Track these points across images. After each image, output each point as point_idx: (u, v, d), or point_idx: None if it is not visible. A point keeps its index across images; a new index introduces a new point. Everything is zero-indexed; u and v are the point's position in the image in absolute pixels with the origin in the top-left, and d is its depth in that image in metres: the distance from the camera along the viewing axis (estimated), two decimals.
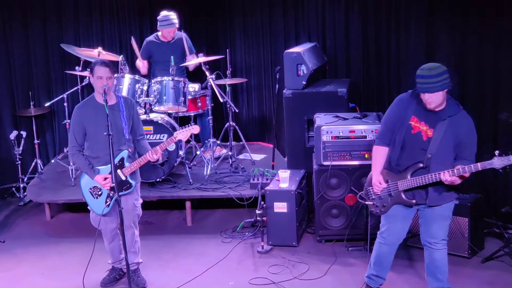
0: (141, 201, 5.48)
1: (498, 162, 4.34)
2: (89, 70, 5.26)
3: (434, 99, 4.48)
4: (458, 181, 4.50)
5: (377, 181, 4.79)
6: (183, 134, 5.25)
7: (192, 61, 7.55)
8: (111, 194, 5.22)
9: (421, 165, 4.60)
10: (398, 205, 4.77)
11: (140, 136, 5.41)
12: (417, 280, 5.40)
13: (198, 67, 7.65)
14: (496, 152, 4.36)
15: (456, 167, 4.47)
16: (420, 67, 4.53)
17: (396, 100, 4.77)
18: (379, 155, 4.80)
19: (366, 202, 4.95)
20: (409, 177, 4.65)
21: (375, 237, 5.04)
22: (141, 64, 7.72)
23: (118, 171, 5.18)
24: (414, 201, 4.70)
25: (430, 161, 4.57)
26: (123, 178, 5.22)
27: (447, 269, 4.89)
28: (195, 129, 5.26)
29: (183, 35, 7.75)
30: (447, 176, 4.46)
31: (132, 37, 7.74)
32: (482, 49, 6.11)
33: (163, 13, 7.56)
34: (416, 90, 4.56)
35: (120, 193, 5.06)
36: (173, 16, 7.53)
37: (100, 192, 5.29)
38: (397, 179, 4.71)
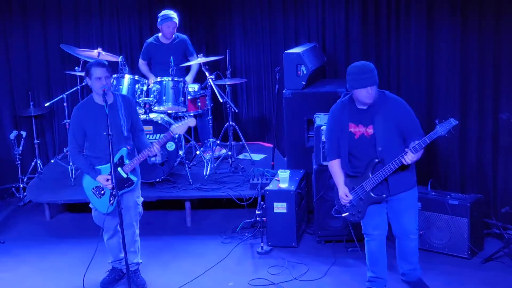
0: (142, 199, 5.49)
1: (441, 129, 4.56)
2: (84, 72, 5.25)
3: (372, 93, 4.70)
4: (416, 158, 4.66)
5: (343, 193, 4.95)
6: (180, 127, 5.24)
7: (192, 61, 7.56)
8: (114, 193, 5.22)
9: (376, 160, 4.78)
10: (371, 205, 4.92)
11: (139, 131, 5.42)
12: None
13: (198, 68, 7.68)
14: (437, 121, 4.59)
15: (411, 145, 4.64)
16: (350, 67, 4.79)
17: (330, 113, 5.01)
18: (336, 169, 4.98)
19: (343, 215, 5.07)
20: (370, 175, 4.82)
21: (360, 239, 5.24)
22: (142, 66, 7.74)
23: (119, 169, 5.19)
24: (384, 195, 4.86)
25: (382, 154, 4.74)
26: (124, 175, 5.23)
27: (417, 253, 5.12)
28: (191, 121, 5.25)
29: (185, 38, 7.76)
30: (410, 156, 4.63)
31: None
32: (483, 49, 6.10)
33: (163, 11, 7.58)
34: (350, 89, 4.76)
35: (122, 191, 5.11)
36: (172, 13, 7.54)
37: (103, 192, 5.29)
38: (361, 182, 4.87)
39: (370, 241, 5.03)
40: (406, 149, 4.66)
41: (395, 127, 4.75)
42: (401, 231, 4.99)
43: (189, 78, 7.73)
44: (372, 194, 4.87)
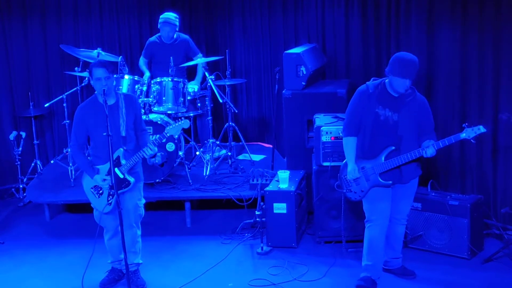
0: (144, 201, 5.48)
1: (469, 133, 4.76)
2: (88, 72, 5.27)
3: (408, 85, 4.89)
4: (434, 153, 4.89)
5: (353, 169, 5.08)
6: (173, 129, 5.25)
7: (192, 62, 7.55)
8: (112, 193, 5.24)
9: (393, 147, 4.95)
10: (375, 188, 5.05)
11: (142, 130, 5.42)
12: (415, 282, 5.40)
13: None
14: (465, 125, 4.76)
15: (427, 143, 4.88)
16: (399, 54, 4.93)
17: (358, 93, 5.10)
18: (351, 145, 5.12)
19: (344, 191, 5.23)
20: (383, 160, 4.97)
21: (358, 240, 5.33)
22: (143, 64, 7.73)
23: (116, 169, 5.17)
24: (390, 182, 5.00)
25: (401, 142, 4.94)
26: (121, 176, 5.23)
27: (402, 242, 5.40)
28: (185, 123, 5.26)
29: (187, 38, 7.75)
30: (432, 150, 4.84)
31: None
32: (483, 49, 6.10)
33: (165, 13, 7.57)
34: (389, 75, 4.90)
35: (119, 191, 5.09)
36: (172, 17, 7.53)
37: (101, 191, 5.30)
38: (372, 164, 5.01)
39: (374, 226, 5.12)
40: (429, 143, 4.85)
41: (416, 122, 4.96)
42: (395, 214, 5.18)
43: (196, 85, 7.70)
44: (379, 178, 5.01)
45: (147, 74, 7.62)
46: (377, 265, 5.18)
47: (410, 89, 4.98)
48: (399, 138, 4.94)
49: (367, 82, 5.10)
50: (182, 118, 5.30)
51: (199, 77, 7.80)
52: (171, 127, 5.25)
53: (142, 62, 7.79)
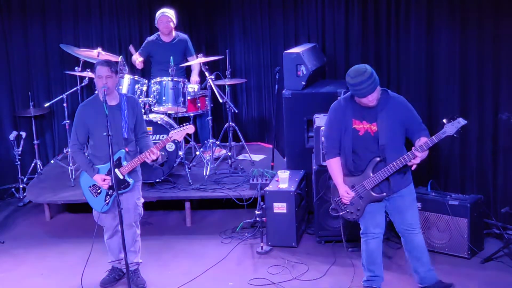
0: (142, 200, 5.49)
1: (450, 128, 4.59)
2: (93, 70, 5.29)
3: (375, 97, 4.70)
4: (423, 156, 4.70)
5: (344, 191, 4.92)
6: (178, 134, 5.27)
7: (192, 61, 7.56)
8: (109, 193, 5.24)
9: (378, 159, 4.78)
10: (370, 203, 4.92)
11: (143, 133, 5.42)
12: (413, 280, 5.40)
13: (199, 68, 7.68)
14: (445, 120, 4.61)
15: (418, 144, 4.69)
16: (347, 74, 4.70)
17: (331, 110, 4.97)
18: (335, 167, 4.95)
19: (340, 213, 5.05)
20: (371, 174, 4.81)
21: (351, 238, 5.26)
22: (137, 60, 7.71)
23: (116, 170, 5.18)
24: (384, 194, 4.87)
25: (385, 152, 4.75)
26: (121, 177, 5.23)
27: (427, 252, 5.07)
28: (190, 128, 5.27)
29: (186, 37, 7.76)
30: (418, 154, 4.65)
31: (130, 45, 7.74)
32: (483, 49, 6.10)
33: (162, 9, 7.60)
34: (353, 95, 4.75)
35: (118, 192, 5.07)
36: (167, 9, 7.54)
37: (99, 190, 5.30)
38: (361, 181, 4.86)
39: (370, 240, 5.01)
40: (412, 150, 4.67)
41: (399, 125, 4.78)
42: (406, 226, 4.96)
43: (194, 77, 7.71)
44: (372, 193, 4.87)
45: (140, 58, 7.60)
46: (378, 273, 5.10)
47: (383, 93, 4.79)
48: (382, 148, 4.75)
49: (339, 97, 4.97)
50: (187, 123, 5.30)
51: (196, 70, 7.78)
52: (175, 131, 5.26)
53: (136, 57, 7.77)
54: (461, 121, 4.56)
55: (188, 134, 7.36)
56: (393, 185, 4.84)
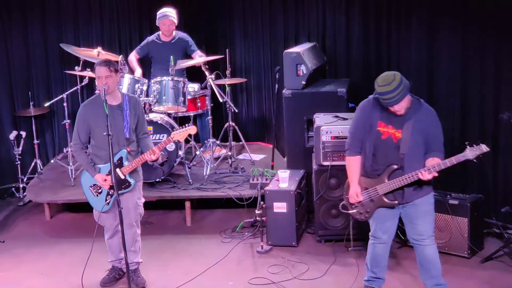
0: (143, 200, 5.49)
1: (471, 153, 4.47)
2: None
3: (403, 106, 4.58)
4: (436, 175, 4.58)
5: (354, 193, 4.84)
6: (180, 134, 5.26)
7: (191, 61, 7.56)
8: (110, 192, 5.24)
9: (396, 166, 4.67)
10: (381, 208, 4.83)
11: (144, 134, 5.42)
12: (411, 279, 5.40)
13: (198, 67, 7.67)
14: (467, 143, 4.50)
15: (431, 163, 4.56)
16: (376, 81, 4.58)
17: (359, 108, 4.85)
18: (354, 165, 4.85)
19: (349, 211, 4.98)
20: (386, 180, 4.71)
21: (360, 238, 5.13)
22: (134, 60, 7.71)
23: (117, 170, 5.18)
24: (396, 202, 4.76)
25: (404, 161, 4.64)
26: (122, 177, 5.23)
27: (440, 265, 4.90)
28: (192, 129, 5.27)
29: (185, 35, 7.76)
30: (426, 175, 4.54)
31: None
32: (483, 48, 6.11)
33: (161, 9, 7.59)
34: (382, 102, 4.61)
35: (118, 192, 5.08)
36: (170, 10, 7.54)
37: (100, 190, 5.30)
38: (375, 184, 4.78)
39: (377, 244, 4.94)
40: (426, 167, 4.56)
41: (422, 137, 4.63)
42: (416, 236, 4.82)
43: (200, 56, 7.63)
44: (384, 198, 4.77)
45: (138, 70, 7.60)
46: (381, 276, 5.07)
47: (416, 101, 4.67)
48: (402, 157, 4.63)
49: (370, 96, 4.82)
50: (189, 124, 5.29)
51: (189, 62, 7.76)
52: (177, 132, 5.25)
53: (133, 58, 7.76)
54: (483, 148, 4.47)
55: (189, 135, 7.38)
56: (407, 195, 4.73)
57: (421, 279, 4.99)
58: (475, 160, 4.49)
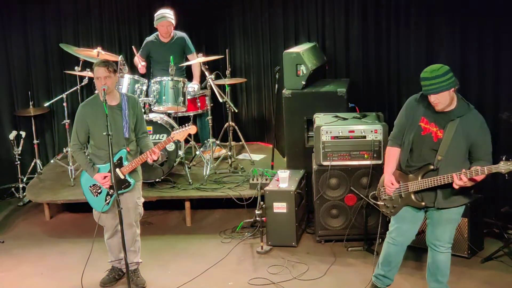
0: (142, 200, 5.49)
1: (504, 166, 4.35)
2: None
3: (441, 100, 4.49)
4: (468, 184, 4.45)
5: (389, 181, 4.79)
6: (180, 134, 5.25)
7: (191, 61, 7.56)
8: (110, 192, 5.24)
9: (432, 167, 4.60)
10: (408, 207, 4.77)
11: (143, 133, 5.42)
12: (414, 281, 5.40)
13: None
14: (503, 157, 4.37)
15: (464, 169, 4.43)
16: (423, 70, 4.51)
17: (407, 102, 4.78)
18: (392, 155, 4.82)
19: (378, 202, 4.96)
20: (420, 178, 4.65)
21: (374, 237, 5.02)
22: (139, 65, 7.71)
23: (117, 169, 5.18)
24: (423, 203, 4.70)
25: (441, 163, 4.56)
26: (122, 176, 5.23)
27: (448, 272, 4.88)
28: (192, 129, 5.26)
29: (184, 35, 7.76)
30: (456, 180, 4.44)
31: (133, 46, 7.74)
32: (483, 48, 6.11)
33: (159, 10, 7.58)
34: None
35: (118, 192, 5.09)
36: (167, 11, 7.53)
37: (99, 190, 5.30)
38: (408, 181, 4.72)
39: (392, 245, 4.90)
40: (462, 171, 4.42)
41: (465, 142, 4.52)
42: (433, 240, 4.78)
43: (194, 82, 7.70)
44: (412, 197, 4.71)
45: (143, 63, 7.61)
46: (389, 276, 5.04)
47: (465, 105, 4.55)
48: (438, 161, 4.54)
49: (420, 92, 4.69)
50: (189, 124, 5.29)
51: (196, 75, 7.78)
52: (177, 132, 5.24)
53: (138, 59, 7.77)
54: None
55: (189, 134, 7.38)
56: (440, 200, 4.63)
57: (427, 279, 4.98)
58: (506, 176, 4.39)
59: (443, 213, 4.68)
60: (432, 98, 4.49)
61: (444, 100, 4.48)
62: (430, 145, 4.60)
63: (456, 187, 4.47)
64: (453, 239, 4.81)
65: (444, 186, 4.56)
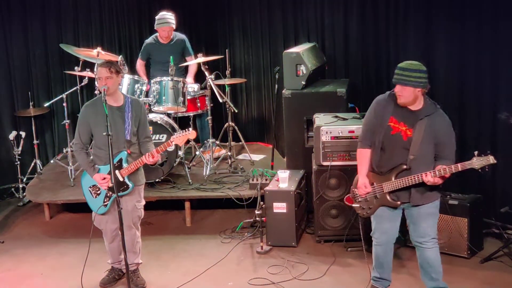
0: (143, 202, 5.47)
1: (477, 162, 4.45)
2: None
3: (404, 94, 4.59)
4: (440, 181, 4.57)
5: (363, 184, 4.84)
6: (179, 139, 5.23)
7: (191, 62, 7.57)
8: (108, 194, 5.24)
9: (405, 166, 4.66)
10: (384, 207, 4.82)
11: (146, 138, 5.40)
12: (415, 280, 5.41)
13: (198, 68, 7.69)
14: (475, 153, 4.46)
15: (437, 168, 4.55)
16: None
17: (374, 101, 4.84)
18: (363, 157, 4.86)
19: (353, 205, 5.00)
20: (393, 179, 4.71)
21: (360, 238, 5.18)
22: (140, 67, 7.74)
23: (116, 171, 5.18)
24: (398, 202, 4.76)
25: (412, 162, 4.62)
26: (121, 179, 5.22)
27: (441, 268, 4.89)
28: (192, 134, 5.25)
29: (183, 37, 7.76)
30: (429, 178, 4.54)
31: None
32: (481, 48, 6.11)
33: (161, 12, 7.58)
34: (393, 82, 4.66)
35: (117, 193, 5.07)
36: (169, 15, 7.53)
37: (99, 191, 5.30)
38: (382, 181, 4.77)
39: (376, 245, 4.96)
40: (432, 170, 4.53)
41: (433, 141, 4.60)
42: (418, 238, 4.82)
43: (189, 79, 7.73)
44: (388, 197, 4.77)
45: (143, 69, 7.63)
46: (386, 277, 5.06)
47: (432, 105, 4.66)
48: (410, 160, 4.61)
49: (387, 91, 4.81)
50: (189, 128, 5.28)
51: (191, 73, 7.78)
52: (176, 136, 5.24)
53: (140, 67, 7.79)
54: (491, 160, 4.43)
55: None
56: (414, 197, 4.70)
57: (422, 279, 4.99)
58: (480, 170, 4.47)
59: (421, 209, 4.75)
60: (397, 89, 4.60)
61: (407, 95, 4.59)
62: (400, 144, 4.66)
63: (428, 183, 4.54)
64: (436, 233, 4.85)
65: (417, 184, 4.64)
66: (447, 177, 4.57)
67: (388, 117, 4.69)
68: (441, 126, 4.62)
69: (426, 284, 4.95)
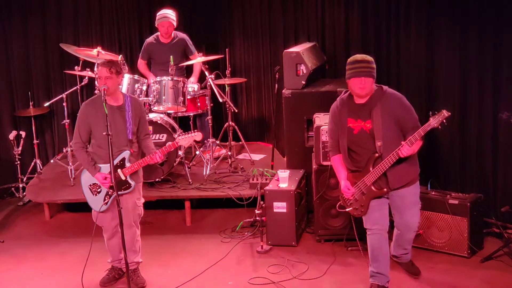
0: (143, 200, 5.48)
1: (434, 121, 4.60)
2: None
3: (366, 85, 4.77)
4: (416, 149, 4.74)
5: (345, 187, 4.99)
6: (185, 140, 5.25)
7: (192, 61, 7.56)
8: (109, 193, 5.24)
9: (377, 154, 4.82)
10: (373, 199, 4.96)
11: (145, 135, 5.42)
12: (414, 279, 5.40)
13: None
14: (430, 113, 4.63)
15: (407, 139, 4.69)
16: (350, 58, 4.85)
17: (330, 111, 5.09)
18: (338, 163, 5.06)
19: (347, 210, 5.10)
20: (371, 169, 4.85)
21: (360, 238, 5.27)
22: (142, 66, 7.76)
23: (119, 170, 5.19)
24: (385, 189, 4.90)
25: (381, 148, 4.79)
26: (123, 178, 5.23)
27: (411, 242, 5.28)
28: (198, 136, 5.27)
29: (184, 36, 7.76)
30: (404, 149, 4.67)
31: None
32: (482, 48, 6.10)
33: (161, 10, 7.58)
34: (347, 80, 4.82)
35: (118, 192, 5.07)
36: (169, 12, 7.54)
37: (99, 190, 5.30)
38: (362, 176, 4.91)
39: (370, 235, 5.05)
40: (401, 143, 4.70)
41: (393, 121, 4.79)
42: (404, 227, 5.10)
43: (193, 79, 7.73)
44: (373, 188, 4.90)
45: (152, 78, 7.62)
46: (383, 271, 5.08)
47: (378, 89, 4.86)
48: (379, 146, 4.79)
49: (338, 97, 5.05)
50: (195, 130, 5.28)
51: (196, 72, 7.80)
52: (182, 137, 5.25)
53: (141, 66, 7.79)
54: (445, 113, 4.59)
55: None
56: (391, 181, 4.87)
57: (392, 249, 5.29)
58: (439, 127, 4.61)
59: (404, 198, 4.95)
60: (360, 82, 4.76)
61: (369, 86, 4.78)
62: (367, 139, 4.85)
63: (403, 156, 4.68)
64: (419, 222, 5.18)
65: (392, 168, 4.78)
66: (420, 144, 4.73)
67: (346, 119, 4.89)
68: (394, 104, 4.81)
69: (396, 251, 5.33)
